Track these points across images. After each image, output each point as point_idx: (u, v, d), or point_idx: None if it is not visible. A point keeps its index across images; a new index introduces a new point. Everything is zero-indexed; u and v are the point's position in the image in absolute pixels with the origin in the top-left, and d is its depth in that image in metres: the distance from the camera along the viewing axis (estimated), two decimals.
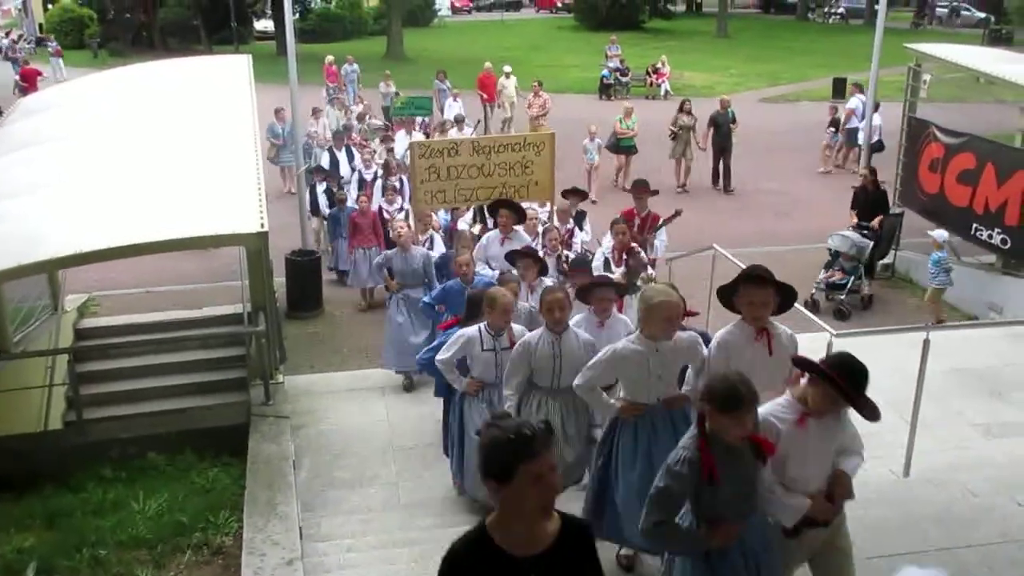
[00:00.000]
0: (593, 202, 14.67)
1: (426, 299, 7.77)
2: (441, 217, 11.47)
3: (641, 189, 9.72)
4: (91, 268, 10.18)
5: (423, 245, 10.06)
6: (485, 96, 23.42)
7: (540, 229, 10.01)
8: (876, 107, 18.37)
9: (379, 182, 13.09)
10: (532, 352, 5.54)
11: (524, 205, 10.80)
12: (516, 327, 6.03)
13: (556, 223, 10.27)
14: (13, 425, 7.62)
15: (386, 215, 12.14)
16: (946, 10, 49.90)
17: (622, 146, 17.63)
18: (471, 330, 6.04)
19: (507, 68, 23.54)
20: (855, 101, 19.15)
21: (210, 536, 6.02)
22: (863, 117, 18.05)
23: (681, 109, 17.77)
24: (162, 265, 12.57)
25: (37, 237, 6.27)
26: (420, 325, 8.56)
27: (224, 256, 12.57)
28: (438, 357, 6.06)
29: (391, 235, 9.25)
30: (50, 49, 32.82)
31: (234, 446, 7.00)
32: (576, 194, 10.69)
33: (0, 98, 22.25)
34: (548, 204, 10.63)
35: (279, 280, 11.22)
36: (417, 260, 8.75)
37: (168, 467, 7.01)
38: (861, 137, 17.94)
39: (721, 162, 17.75)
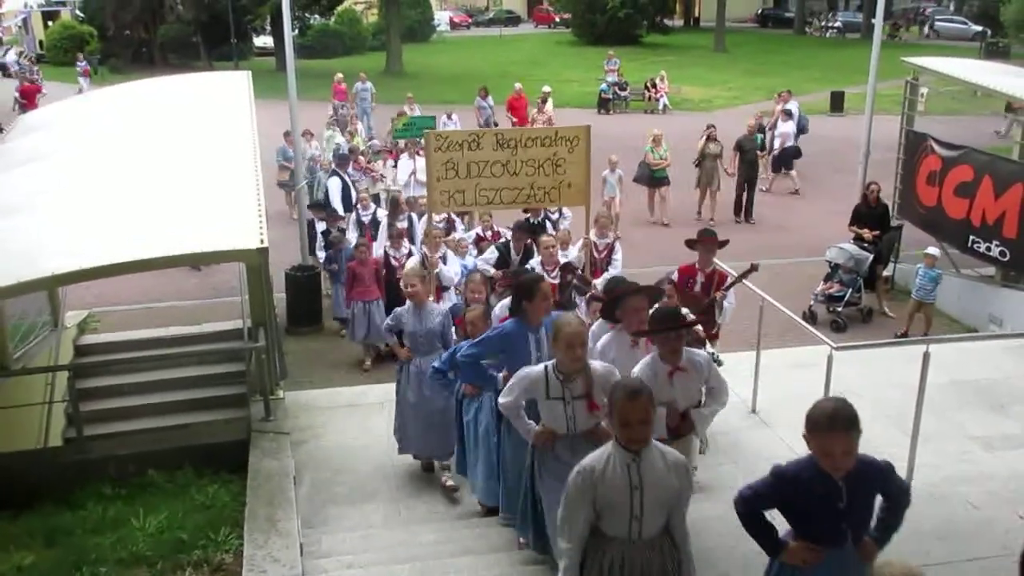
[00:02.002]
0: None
1: (436, 364, 6.38)
2: (455, 264, 10.06)
3: (709, 239, 7.70)
4: (91, 284, 10.21)
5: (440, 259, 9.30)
6: (515, 120, 22.40)
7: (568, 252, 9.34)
8: (788, 114, 19.09)
9: (383, 222, 11.70)
10: (597, 482, 3.74)
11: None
12: (598, 367, 4.81)
13: (593, 237, 9.19)
14: (13, 442, 7.61)
15: (393, 262, 10.68)
16: (943, 23, 50.23)
17: (655, 178, 16.17)
18: (535, 370, 4.88)
19: (547, 88, 22.29)
20: (793, 109, 19.63)
21: (210, 553, 5.99)
22: (797, 121, 19.23)
23: (707, 136, 16.53)
24: (162, 281, 12.61)
25: (37, 254, 6.28)
26: (439, 398, 6.94)
27: (224, 272, 12.59)
28: (501, 400, 5.05)
29: (403, 291, 7.58)
30: (79, 68, 31.67)
31: (234, 462, 6.98)
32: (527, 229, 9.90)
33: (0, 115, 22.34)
34: (573, 238, 9.89)
35: (279, 296, 11.22)
36: (434, 319, 7.13)
37: (168, 484, 6.99)
38: (777, 142, 18.65)
39: (745, 191, 16.56)
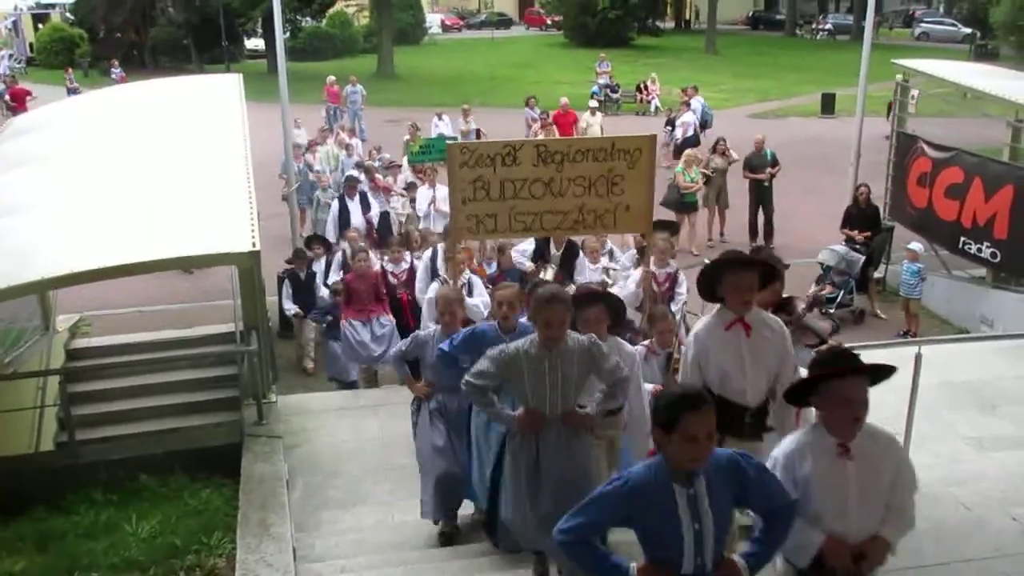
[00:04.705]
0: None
1: (443, 347, 5.44)
2: (483, 293, 8.27)
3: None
4: (83, 288, 10.16)
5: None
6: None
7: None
8: (687, 106, 20.73)
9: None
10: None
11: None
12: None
13: (653, 267, 7.73)
14: (4, 446, 7.58)
15: (391, 279, 9.55)
16: (932, 25, 50.45)
17: (686, 202, 14.77)
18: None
19: (593, 104, 20.75)
20: (694, 103, 21.15)
21: (203, 558, 5.97)
22: (701, 116, 21.05)
23: (715, 149, 15.56)
24: (154, 284, 12.57)
25: (28, 257, 6.26)
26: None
27: (216, 275, 12.56)
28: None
29: (436, 312, 6.08)
30: (114, 76, 30.13)
31: (227, 466, 6.95)
32: (666, 228, 8.40)
33: None
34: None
35: (271, 299, 11.19)
36: None
37: (160, 488, 6.96)
38: (679, 131, 19.78)
39: (760, 212, 15.37)
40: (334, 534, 6.49)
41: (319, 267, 10.58)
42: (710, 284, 4.56)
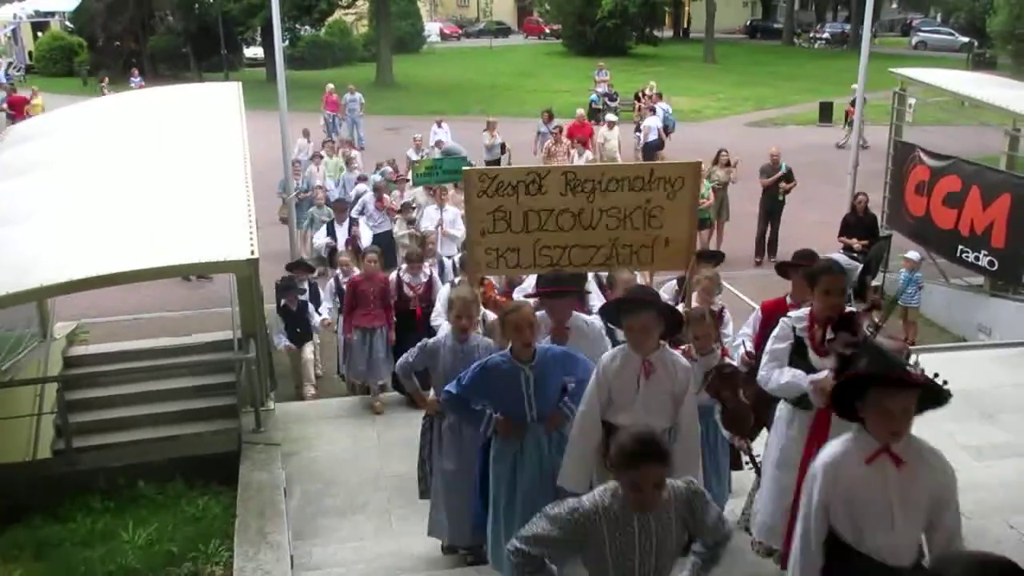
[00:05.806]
0: None
1: (450, 388, 4.88)
2: None
3: (810, 264, 5.53)
4: (81, 295, 10.15)
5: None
6: None
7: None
8: (652, 111, 21.61)
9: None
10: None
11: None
12: None
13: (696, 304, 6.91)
14: (1, 454, 7.57)
15: (407, 290, 8.88)
16: (930, 34, 50.62)
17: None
18: None
19: (611, 117, 19.63)
20: (658, 109, 22.17)
21: (200, 566, 5.96)
22: (664, 121, 21.82)
23: (716, 161, 14.89)
24: (153, 292, 12.56)
25: (26, 265, 6.26)
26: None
27: (214, 282, 12.56)
28: None
29: (452, 315, 5.59)
30: (133, 84, 29.70)
31: (224, 474, 6.95)
32: (712, 258, 7.89)
33: None
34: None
35: (269, 306, 11.18)
36: (480, 354, 5.23)
37: (158, 496, 6.96)
38: (642, 134, 20.62)
39: (768, 228, 15.03)
40: (332, 542, 6.47)
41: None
42: (850, 399, 3.52)
